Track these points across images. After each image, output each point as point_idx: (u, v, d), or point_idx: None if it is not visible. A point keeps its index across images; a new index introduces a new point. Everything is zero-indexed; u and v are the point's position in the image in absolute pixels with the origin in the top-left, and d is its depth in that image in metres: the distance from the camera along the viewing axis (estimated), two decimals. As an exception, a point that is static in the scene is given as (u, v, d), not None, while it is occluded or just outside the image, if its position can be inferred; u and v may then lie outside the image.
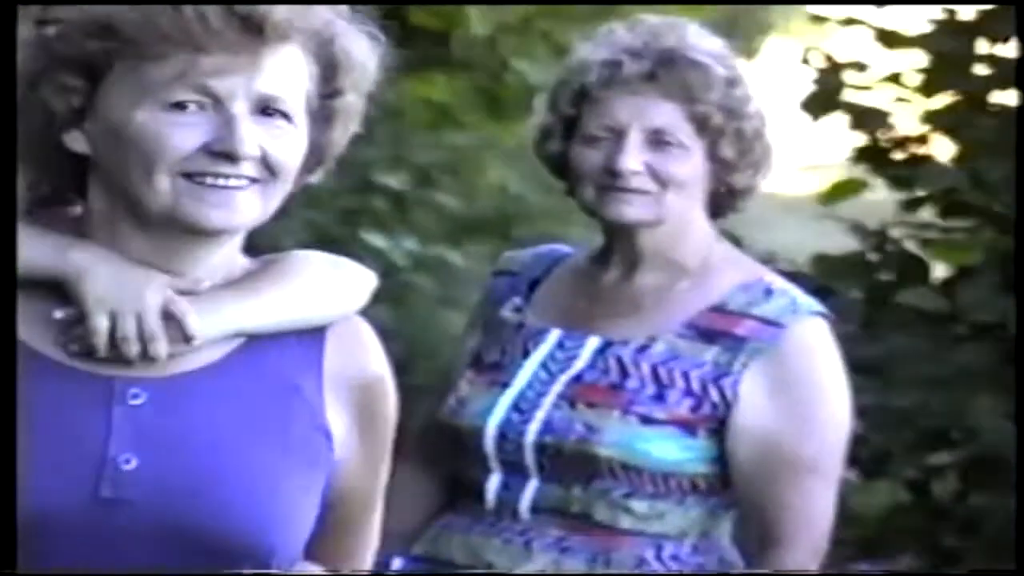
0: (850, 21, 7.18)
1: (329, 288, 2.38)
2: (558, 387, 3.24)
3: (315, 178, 2.35)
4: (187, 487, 2.24)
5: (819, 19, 7.58)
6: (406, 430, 2.58)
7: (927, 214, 7.01)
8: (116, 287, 2.24)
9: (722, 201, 3.32)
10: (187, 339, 2.23)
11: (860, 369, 3.35)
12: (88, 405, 2.24)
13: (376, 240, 7.49)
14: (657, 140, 3.23)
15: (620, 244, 3.29)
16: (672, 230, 3.27)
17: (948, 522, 6.54)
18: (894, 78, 7.04)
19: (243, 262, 2.37)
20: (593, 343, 3.26)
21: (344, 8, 2.33)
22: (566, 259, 3.42)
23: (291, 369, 2.32)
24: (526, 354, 3.29)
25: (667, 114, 3.24)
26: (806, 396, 3.23)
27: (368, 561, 2.47)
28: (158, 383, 2.24)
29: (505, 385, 3.27)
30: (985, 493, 6.31)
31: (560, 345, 3.28)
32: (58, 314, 2.24)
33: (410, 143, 8.75)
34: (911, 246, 6.92)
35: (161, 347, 2.22)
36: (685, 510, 3.21)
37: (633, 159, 3.21)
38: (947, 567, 6.45)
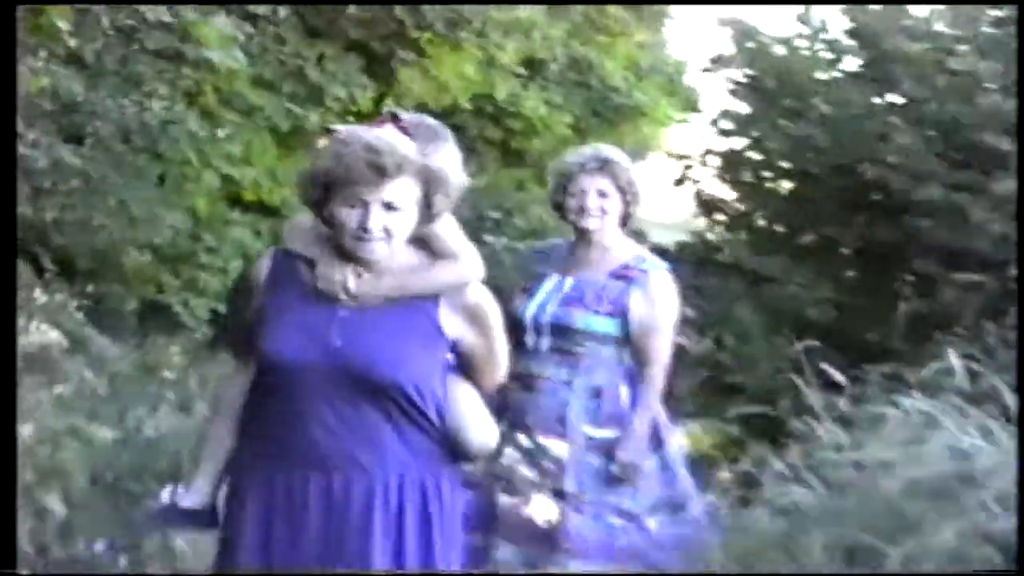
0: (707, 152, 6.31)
1: (443, 276, 2.22)
2: (557, 298, 3.26)
3: (425, 229, 2.19)
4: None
5: (679, 156, 6.52)
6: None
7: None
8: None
9: (625, 221, 3.33)
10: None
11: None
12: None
13: (488, 239, 7.27)
14: (602, 194, 3.27)
15: (583, 238, 3.32)
16: (607, 233, 3.30)
17: (721, 353, 5.38)
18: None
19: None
20: (570, 281, 3.27)
21: (448, 135, 2.22)
22: (560, 244, 3.43)
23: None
24: (541, 283, 3.31)
25: (606, 184, 3.27)
26: (660, 303, 3.24)
27: (498, 379, 2.31)
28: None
29: (532, 296, 3.29)
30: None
31: (557, 281, 3.30)
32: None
33: (500, 200, 8.67)
34: (714, 239, 6.29)
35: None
36: (610, 348, 3.21)
37: (592, 202, 3.26)
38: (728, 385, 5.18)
